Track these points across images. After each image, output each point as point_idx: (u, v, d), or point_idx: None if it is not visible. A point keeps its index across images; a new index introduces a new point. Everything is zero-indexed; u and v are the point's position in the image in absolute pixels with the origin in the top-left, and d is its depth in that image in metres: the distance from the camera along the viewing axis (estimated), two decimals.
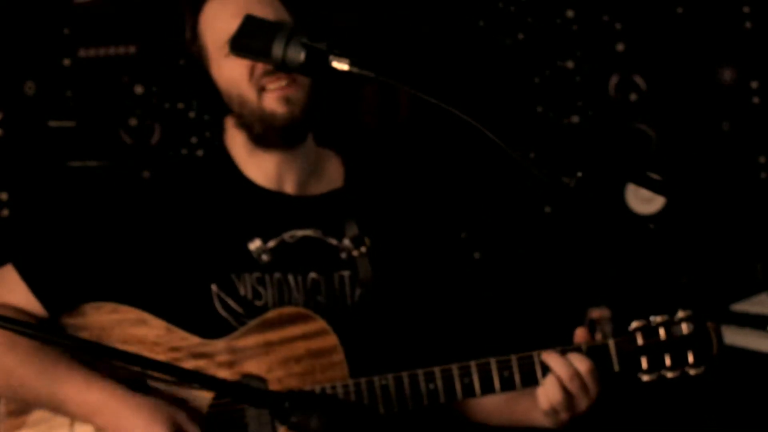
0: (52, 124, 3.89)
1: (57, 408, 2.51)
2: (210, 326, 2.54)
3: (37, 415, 2.55)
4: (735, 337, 3.64)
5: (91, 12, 3.90)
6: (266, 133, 2.58)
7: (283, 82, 2.54)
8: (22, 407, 2.56)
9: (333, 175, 2.71)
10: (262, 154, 2.63)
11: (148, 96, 3.93)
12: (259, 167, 2.64)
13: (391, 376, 2.47)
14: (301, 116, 2.57)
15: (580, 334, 2.52)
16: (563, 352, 2.48)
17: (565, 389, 2.45)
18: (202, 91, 2.63)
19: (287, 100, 2.55)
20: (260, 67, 2.52)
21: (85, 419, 2.50)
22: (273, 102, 2.55)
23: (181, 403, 2.51)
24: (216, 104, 2.62)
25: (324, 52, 2.06)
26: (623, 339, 2.50)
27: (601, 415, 2.55)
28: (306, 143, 2.65)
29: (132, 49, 3.92)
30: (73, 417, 2.51)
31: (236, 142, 2.65)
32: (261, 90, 2.55)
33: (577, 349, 2.49)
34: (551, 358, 2.47)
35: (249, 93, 2.56)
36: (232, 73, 2.56)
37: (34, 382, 2.50)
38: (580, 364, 2.45)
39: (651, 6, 4.06)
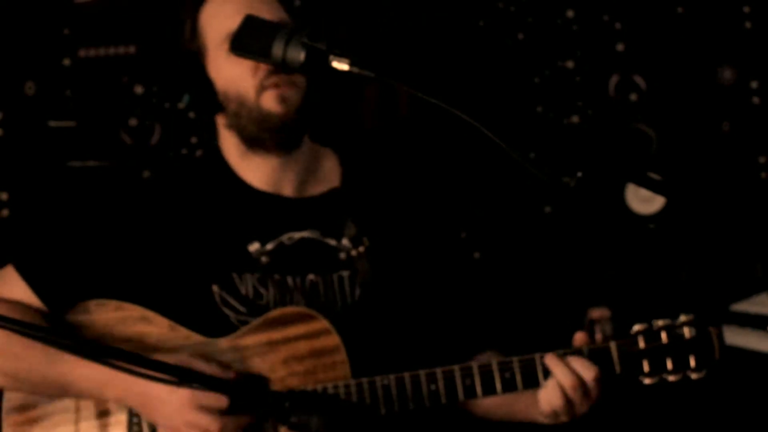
0: (52, 124, 3.89)
1: (66, 387, 2.50)
2: (212, 324, 2.54)
3: (42, 410, 2.56)
4: (735, 337, 3.63)
5: (91, 12, 3.90)
6: (260, 135, 2.57)
7: (281, 80, 2.54)
8: (26, 403, 2.56)
9: (330, 174, 2.71)
10: (256, 159, 2.62)
11: (148, 96, 3.93)
12: (255, 170, 2.63)
13: (393, 377, 2.47)
14: (295, 116, 2.56)
15: (579, 338, 2.51)
16: (565, 356, 2.47)
17: (566, 396, 2.45)
18: (196, 89, 2.62)
19: (283, 99, 2.55)
20: (264, 65, 2.51)
21: (96, 394, 2.49)
22: (270, 100, 2.55)
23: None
24: (208, 103, 2.61)
25: (324, 52, 2.06)
26: (625, 342, 2.49)
27: (601, 414, 2.55)
28: (302, 146, 2.64)
29: (132, 49, 3.92)
30: (84, 395, 2.50)
31: (229, 144, 2.64)
32: (261, 89, 2.55)
33: (579, 353, 2.48)
34: (554, 365, 2.46)
35: (249, 91, 2.55)
36: (232, 72, 2.56)
37: (41, 365, 2.50)
38: (586, 372, 2.45)
39: (651, 6, 4.06)
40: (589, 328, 3.83)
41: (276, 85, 2.54)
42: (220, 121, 2.64)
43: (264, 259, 2.61)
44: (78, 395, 2.52)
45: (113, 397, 2.49)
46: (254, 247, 2.60)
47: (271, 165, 2.62)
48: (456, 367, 2.48)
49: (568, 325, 2.57)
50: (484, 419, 2.72)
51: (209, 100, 2.61)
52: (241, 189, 2.64)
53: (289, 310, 2.54)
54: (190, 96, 2.63)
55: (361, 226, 2.65)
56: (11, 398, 2.58)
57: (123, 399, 2.48)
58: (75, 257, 2.59)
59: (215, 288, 2.58)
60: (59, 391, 2.53)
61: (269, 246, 2.61)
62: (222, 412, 2.42)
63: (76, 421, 2.54)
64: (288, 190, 2.65)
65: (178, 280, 2.57)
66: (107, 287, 2.58)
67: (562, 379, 2.44)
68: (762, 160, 4.08)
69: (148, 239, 2.59)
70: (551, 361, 2.46)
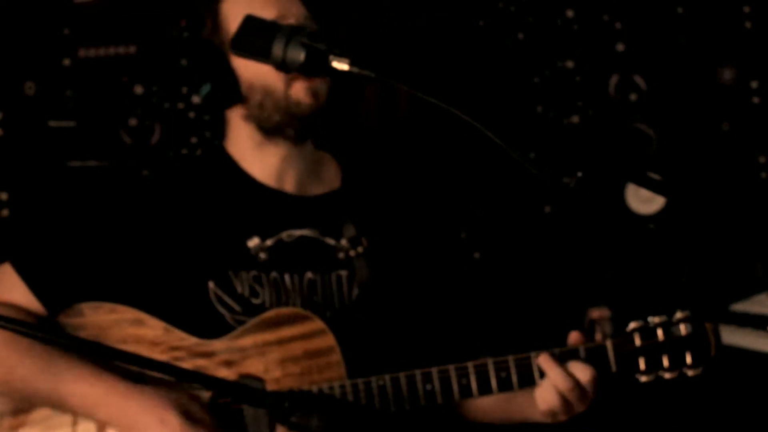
0: (52, 124, 3.89)
1: (58, 403, 2.51)
2: (207, 324, 2.55)
3: (38, 413, 2.55)
4: (735, 337, 3.64)
5: (91, 12, 3.90)
6: (286, 123, 2.58)
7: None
8: (22, 405, 2.56)
9: (331, 176, 2.72)
10: (268, 148, 2.63)
11: (148, 96, 3.93)
12: (262, 162, 2.65)
13: (388, 377, 2.47)
14: (321, 108, 2.58)
15: (574, 337, 2.50)
16: (561, 357, 2.46)
17: (563, 396, 2.45)
18: (217, 81, 2.61)
19: (313, 92, 2.57)
20: None
21: (88, 413, 2.49)
22: (301, 91, 2.56)
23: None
24: (228, 94, 2.61)
25: (324, 52, 2.07)
26: (621, 339, 2.49)
27: (600, 414, 2.55)
28: (306, 143, 2.66)
29: (132, 49, 3.92)
30: (76, 412, 2.51)
31: (240, 137, 2.66)
32: (291, 78, 2.55)
33: (576, 355, 2.47)
34: (549, 368, 2.45)
35: (277, 82, 2.56)
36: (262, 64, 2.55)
37: (35, 378, 2.50)
38: (582, 374, 2.44)
39: (651, 6, 4.06)
40: (589, 328, 3.83)
41: (308, 78, 2.55)
42: (235, 113, 2.65)
43: (262, 255, 2.61)
44: (69, 411, 2.52)
45: (103, 418, 2.48)
46: (253, 242, 2.61)
47: (280, 155, 2.63)
48: (451, 367, 2.48)
49: (568, 325, 2.57)
50: (482, 422, 2.73)
51: (230, 91, 2.61)
52: (245, 182, 2.65)
53: (284, 311, 2.55)
54: (211, 87, 2.62)
55: (360, 228, 2.66)
56: (6, 401, 2.57)
57: (112, 421, 2.48)
58: (73, 256, 2.59)
59: (211, 285, 2.58)
60: (51, 405, 2.52)
61: (268, 242, 2.62)
62: None
63: (74, 424, 2.54)
64: (290, 186, 2.66)
65: (175, 277, 2.58)
66: (105, 286, 2.58)
67: (558, 383, 2.43)
68: (762, 160, 4.09)
69: (148, 237, 2.60)
70: (545, 363, 2.45)
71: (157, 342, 2.53)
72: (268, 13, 2.53)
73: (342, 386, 2.47)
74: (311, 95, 2.57)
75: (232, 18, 2.60)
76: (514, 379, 2.48)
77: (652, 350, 2.48)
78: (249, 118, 2.62)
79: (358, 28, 3.98)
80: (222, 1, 2.63)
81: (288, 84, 2.56)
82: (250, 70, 2.58)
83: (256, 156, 2.65)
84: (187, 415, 2.44)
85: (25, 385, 2.52)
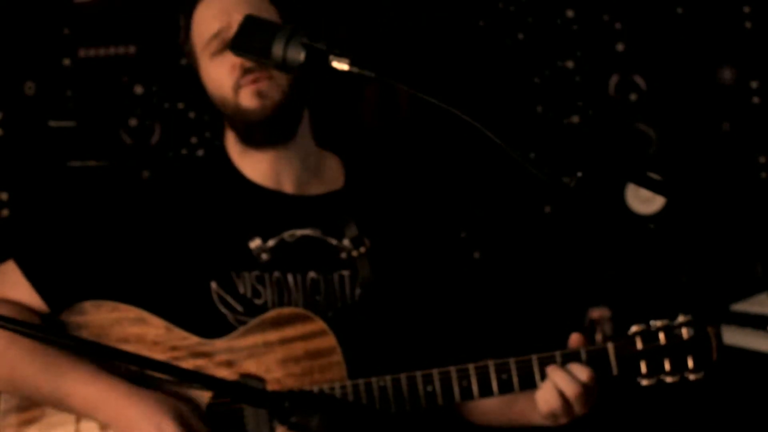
0: (52, 124, 3.88)
1: (59, 403, 2.51)
2: (209, 324, 2.55)
3: (41, 410, 2.56)
4: (735, 337, 3.63)
5: (91, 12, 3.90)
6: (248, 131, 2.60)
7: (256, 75, 2.55)
8: (24, 404, 2.56)
9: (333, 176, 2.72)
10: (255, 153, 2.64)
11: (148, 96, 3.93)
12: (255, 166, 2.65)
13: (389, 378, 2.47)
14: (273, 111, 2.57)
15: (575, 339, 2.51)
16: (563, 360, 2.47)
17: (563, 396, 2.45)
18: (198, 92, 2.65)
19: (259, 94, 2.57)
20: (238, 66, 2.54)
21: (88, 414, 2.50)
22: (246, 97, 2.57)
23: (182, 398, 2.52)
24: (210, 105, 2.64)
25: (324, 52, 2.07)
26: (622, 343, 2.49)
27: (601, 417, 2.54)
28: (299, 141, 2.66)
29: (132, 49, 3.92)
30: (76, 412, 2.51)
31: (231, 142, 2.68)
32: (238, 87, 2.57)
33: (577, 357, 2.48)
34: (551, 369, 2.46)
35: (228, 91, 2.58)
36: (215, 74, 2.59)
37: (36, 377, 2.50)
38: (581, 374, 2.45)
39: (651, 6, 4.06)
40: (590, 328, 3.83)
41: (253, 81, 2.55)
42: (225, 120, 2.67)
43: (264, 256, 2.61)
44: (69, 411, 2.52)
45: (103, 419, 2.49)
46: (255, 243, 2.62)
47: (268, 159, 2.64)
48: (452, 368, 2.48)
49: (568, 325, 2.57)
50: (483, 425, 2.72)
51: (209, 102, 2.64)
52: (244, 185, 2.65)
53: (286, 311, 2.55)
54: (198, 101, 2.65)
55: (362, 228, 2.66)
56: (9, 399, 2.57)
57: (111, 423, 2.49)
58: (75, 255, 2.59)
59: (214, 285, 2.58)
60: (52, 404, 2.53)
61: (270, 243, 2.62)
62: None
63: (77, 421, 2.54)
64: (288, 186, 2.66)
65: (177, 277, 2.58)
66: (107, 285, 2.59)
67: (560, 383, 2.44)
68: (762, 160, 4.08)
69: (149, 237, 2.60)
70: (552, 371, 2.46)
71: (159, 341, 2.53)
72: (224, 19, 2.54)
73: (343, 387, 2.48)
74: (257, 98, 2.57)
75: (196, 29, 2.62)
76: (515, 381, 2.48)
77: (654, 354, 2.48)
78: (228, 126, 2.65)
79: (358, 28, 3.98)
80: (194, 9, 2.64)
81: (236, 93, 2.57)
82: (210, 82, 2.62)
83: (248, 161, 2.66)
84: (182, 422, 2.45)
85: (26, 383, 2.52)
